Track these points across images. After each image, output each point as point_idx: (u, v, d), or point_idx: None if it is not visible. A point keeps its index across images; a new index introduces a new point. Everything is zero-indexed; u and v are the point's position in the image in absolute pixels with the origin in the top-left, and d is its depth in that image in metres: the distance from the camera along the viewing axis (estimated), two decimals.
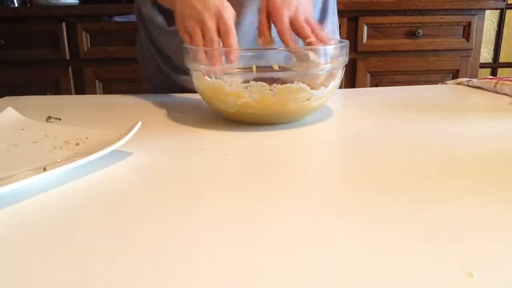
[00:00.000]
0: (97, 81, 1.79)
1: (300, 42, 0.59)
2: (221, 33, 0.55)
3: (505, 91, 0.72)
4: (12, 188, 0.34)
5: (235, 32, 0.55)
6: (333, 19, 0.84)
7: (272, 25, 0.59)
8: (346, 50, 0.58)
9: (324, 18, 0.82)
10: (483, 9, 1.82)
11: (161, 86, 0.86)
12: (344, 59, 0.58)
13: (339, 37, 0.86)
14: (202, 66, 0.55)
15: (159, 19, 0.75)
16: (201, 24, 0.56)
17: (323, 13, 0.82)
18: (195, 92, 0.74)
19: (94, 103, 0.75)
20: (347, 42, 0.59)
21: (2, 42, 1.72)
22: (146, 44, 0.85)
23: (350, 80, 1.83)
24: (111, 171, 0.41)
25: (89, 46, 1.75)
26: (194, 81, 0.59)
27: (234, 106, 0.54)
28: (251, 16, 0.73)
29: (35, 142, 0.48)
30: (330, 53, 0.56)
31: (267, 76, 0.53)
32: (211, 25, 0.55)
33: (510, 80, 0.72)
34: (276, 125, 0.56)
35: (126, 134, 0.44)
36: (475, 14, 1.80)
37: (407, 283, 0.23)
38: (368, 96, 0.76)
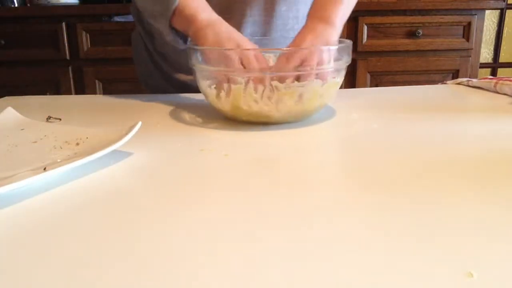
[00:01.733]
0: (97, 81, 1.79)
1: None
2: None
3: (505, 91, 0.72)
4: (12, 188, 0.34)
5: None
6: None
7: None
8: (349, 51, 0.59)
9: None
10: (483, 9, 1.82)
11: (156, 87, 0.86)
12: (347, 59, 0.59)
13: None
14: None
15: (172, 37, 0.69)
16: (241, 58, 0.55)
17: None
18: (194, 91, 0.74)
19: (94, 103, 0.75)
20: (350, 43, 0.59)
21: (2, 42, 1.72)
22: (142, 44, 0.85)
23: (350, 80, 1.83)
24: (111, 171, 0.41)
25: (89, 46, 1.75)
26: (226, 86, 0.55)
27: (284, 107, 0.54)
28: (252, 26, 0.73)
29: (35, 142, 0.48)
30: (334, 53, 0.57)
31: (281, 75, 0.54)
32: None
33: (510, 80, 0.72)
34: (276, 125, 0.56)
35: (126, 134, 0.44)
36: (475, 14, 1.80)
37: (407, 283, 0.23)
38: (368, 96, 0.76)
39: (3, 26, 1.71)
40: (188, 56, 0.59)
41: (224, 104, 0.56)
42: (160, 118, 0.61)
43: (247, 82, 0.54)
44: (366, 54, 1.81)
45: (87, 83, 1.79)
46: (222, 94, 0.55)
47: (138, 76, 0.91)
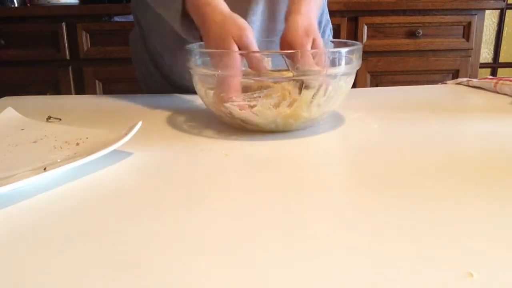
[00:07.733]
0: (97, 81, 1.79)
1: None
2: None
3: (505, 91, 0.72)
4: (12, 188, 0.34)
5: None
6: (327, 24, 0.85)
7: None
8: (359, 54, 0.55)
9: (320, 26, 0.83)
10: (483, 9, 1.82)
11: (157, 88, 0.86)
12: (357, 63, 0.55)
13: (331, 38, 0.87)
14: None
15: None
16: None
17: (319, 22, 0.83)
18: (195, 92, 0.74)
19: (94, 103, 0.75)
20: (360, 46, 0.55)
21: (2, 42, 1.72)
22: (142, 45, 0.84)
23: None
24: (111, 171, 0.41)
25: (89, 46, 1.75)
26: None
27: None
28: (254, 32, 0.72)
29: (35, 142, 0.48)
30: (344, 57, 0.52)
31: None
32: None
33: (510, 80, 0.72)
34: None
35: (126, 134, 0.44)
36: (475, 14, 1.80)
37: (407, 283, 0.23)
38: (368, 96, 0.76)
39: (3, 26, 1.72)
40: (186, 58, 0.55)
41: (281, 110, 0.50)
42: (160, 118, 0.61)
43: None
44: (366, 54, 1.81)
45: (87, 83, 1.79)
46: (286, 100, 0.50)
47: (138, 78, 0.91)
